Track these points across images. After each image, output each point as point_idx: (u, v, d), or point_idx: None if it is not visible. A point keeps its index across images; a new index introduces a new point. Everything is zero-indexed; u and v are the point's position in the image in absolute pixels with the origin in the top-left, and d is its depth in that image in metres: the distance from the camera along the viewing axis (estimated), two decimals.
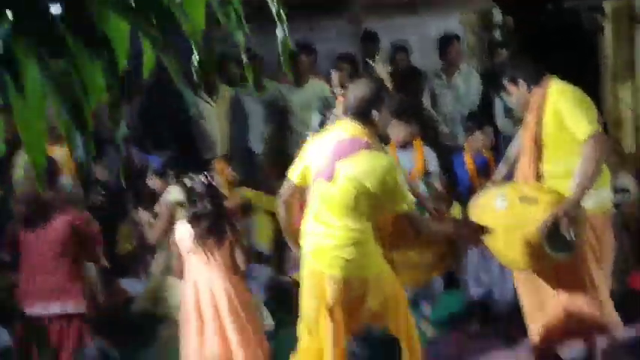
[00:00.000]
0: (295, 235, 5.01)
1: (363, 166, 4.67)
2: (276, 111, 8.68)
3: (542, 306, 5.48)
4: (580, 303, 5.35)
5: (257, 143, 8.72)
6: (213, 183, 5.58)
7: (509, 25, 10.24)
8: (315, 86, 8.55)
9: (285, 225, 5.10)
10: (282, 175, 5.16)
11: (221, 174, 7.05)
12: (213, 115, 8.74)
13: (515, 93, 5.44)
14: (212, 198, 5.47)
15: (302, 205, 5.04)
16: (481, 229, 5.02)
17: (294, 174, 4.99)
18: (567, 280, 5.35)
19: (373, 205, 4.69)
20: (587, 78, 8.90)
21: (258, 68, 8.80)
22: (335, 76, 6.43)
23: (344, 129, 4.84)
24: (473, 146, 7.38)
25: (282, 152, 8.30)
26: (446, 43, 8.59)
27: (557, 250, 5.04)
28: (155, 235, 6.13)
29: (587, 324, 5.41)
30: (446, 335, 6.59)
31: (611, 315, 5.41)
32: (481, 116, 7.85)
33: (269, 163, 8.58)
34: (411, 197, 4.75)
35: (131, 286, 6.86)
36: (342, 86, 7.01)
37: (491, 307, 6.66)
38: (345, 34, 9.90)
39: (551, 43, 9.04)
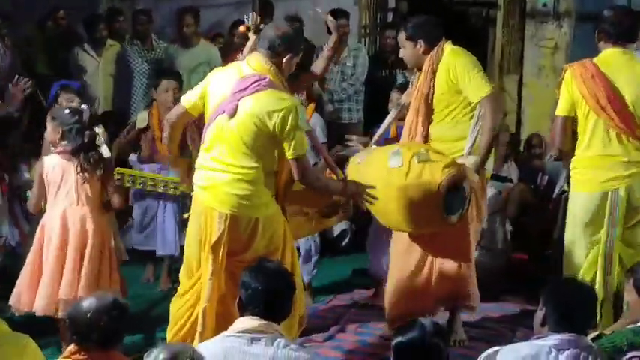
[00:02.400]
0: (176, 157, 5.09)
1: (266, 105, 4.53)
2: (162, 71, 8.43)
3: (411, 272, 5.47)
4: (454, 271, 5.41)
5: (139, 103, 8.40)
6: (85, 118, 5.42)
7: (402, 9, 10.31)
8: (204, 49, 8.40)
9: (169, 144, 5.02)
10: None
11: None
12: (98, 71, 8.53)
13: (411, 50, 5.44)
14: (81, 121, 5.36)
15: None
16: (363, 190, 4.92)
17: (186, 98, 4.86)
18: (445, 247, 5.38)
19: (270, 146, 4.59)
20: None
21: (148, 26, 8.65)
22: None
23: (250, 64, 4.69)
24: None
25: None
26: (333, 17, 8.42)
27: (451, 212, 5.04)
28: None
29: (455, 292, 5.48)
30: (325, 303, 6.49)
31: (475, 286, 5.51)
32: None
33: None
34: (306, 145, 4.63)
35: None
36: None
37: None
38: (236, 1, 9.69)
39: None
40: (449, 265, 5.43)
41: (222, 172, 4.61)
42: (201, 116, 4.86)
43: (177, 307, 4.78)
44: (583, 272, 5.14)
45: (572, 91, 5.06)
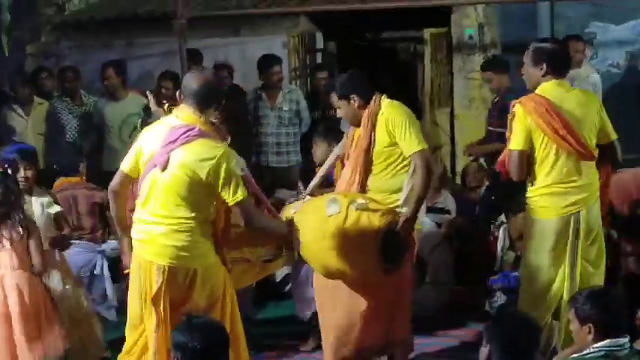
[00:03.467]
0: (125, 225, 4.87)
1: (197, 154, 4.50)
2: (93, 126, 8.40)
3: (346, 319, 5.43)
4: (391, 317, 5.42)
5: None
6: (10, 172, 5.43)
7: (331, 49, 10.38)
8: (133, 100, 8.36)
9: (116, 214, 4.92)
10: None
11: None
12: (27, 130, 8.42)
13: (345, 108, 5.47)
14: (7, 187, 5.33)
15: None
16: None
17: (124, 163, 4.79)
18: (382, 292, 5.37)
19: (206, 194, 4.55)
20: (406, 104, 9.16)
21: (76, 83, 8.62)
22: (150, 97, 6.16)
23: (178, 116, 4.66)
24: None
25: (100, 169, 8.01)
26: (266, 64, 8.47)
27: (387, 261, 5.04)
28: None
29: (392, 338, 5.47)
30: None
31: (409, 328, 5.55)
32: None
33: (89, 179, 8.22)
34: (244, 189, 4.58)
35: None
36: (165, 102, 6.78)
37: None
38: (164, 52, 9.69)
39: (370, 69, 9.21)
40: (378, 312, 5.40)
41: (157, 224, 4.57)
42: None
43: None
44: (552, 294, 5.20)
45: (527, 125, 5.12)
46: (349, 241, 4.98)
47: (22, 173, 5.69)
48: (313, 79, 9.31)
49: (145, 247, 4.62)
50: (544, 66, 5.18)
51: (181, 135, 4.53)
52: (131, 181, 4.82)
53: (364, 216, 5.01)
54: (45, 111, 8.54)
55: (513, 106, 5.23)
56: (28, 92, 8.53)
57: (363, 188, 5.41)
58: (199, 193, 4.53)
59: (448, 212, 7.57)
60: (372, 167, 5.42)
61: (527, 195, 5.29)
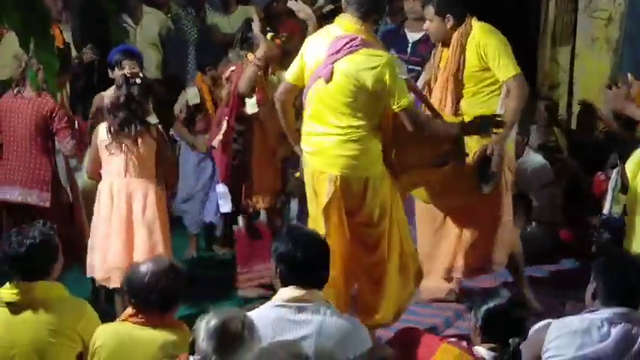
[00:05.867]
0: (295, 133, 4.98)
1: (361, 64, 4.59)
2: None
3: (441, 244, 5.55)
4: (484, 239, 5.46)
5: (194, 72, 8.38)
6: (135, 80, 5.47)
7: None
8: (243, 13, 8.38)
9: (285, 124, 5.04)
10: None
11: None
12: (137, 40, 8.26)
13: (438, 24, 5.43)
14: (129, 91, 5.36)
15: None
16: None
17: (289, 73, 4.91)
18: (477, 216, 5.44)
19: (372, 103, 4.64)
20: (526, 40, 8.99)
21: None
22: (256, 19, 6.19)
23: (341, 25, 4.73)
24: None
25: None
26: None
27: (484, 182, 5.15)
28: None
29: (484, 261, 5.52)
30: None
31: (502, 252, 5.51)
32: None
33: None
34: (410, 95, 4.69)
35: None
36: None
37: None
38: None
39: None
40: (478, 233, 5.46)
41: (328, 135, 4.68)
42: None
43: None
44: None
45: None
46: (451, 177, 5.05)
47: (127, 70, 5.76)
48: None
49: (317, 158, 4.74)
50: None
51: (345, 45, 4.62)
52: (297, 91, 4.91)
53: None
54: (156, 21, 8.39)
55: None
56: (137, 1, 8.31)
57: (455, 112, 5.39)
58: (366, 102, 4.62)
59: (560, 151, 7.46)
60: (463, 91, 5.40)
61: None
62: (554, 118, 7.89)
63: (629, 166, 5.17)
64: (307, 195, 4.86)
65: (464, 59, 5.35)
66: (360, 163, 4.66)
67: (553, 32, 9.22)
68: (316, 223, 4.75)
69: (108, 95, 5.77)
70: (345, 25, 4.70)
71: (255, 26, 5.94)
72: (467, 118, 5.22)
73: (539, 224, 6.81)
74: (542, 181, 6.83)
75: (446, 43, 5.44)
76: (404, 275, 4.84)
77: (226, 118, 6.00)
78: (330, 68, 4.61)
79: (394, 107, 4.61)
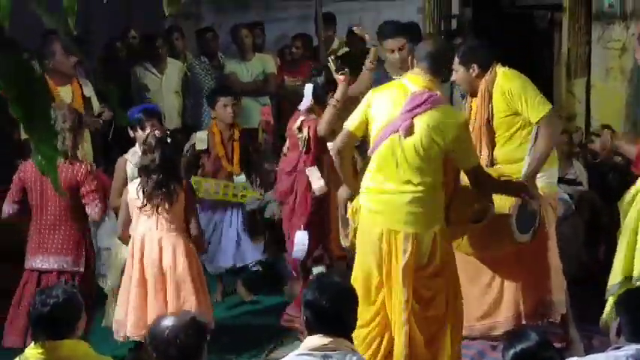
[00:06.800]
0: (356, 183, 4.94)
1: (440, 121, 4.64)
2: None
3: (484, 293, 5.46)
4: (533, 284, 5.39)
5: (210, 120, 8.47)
6: (167, 139, 5.47)
7: (467, 16, 10.27)
8: (260, 60, 8.62)
9: (343, 173, 5.02)
10: None
11: None
12: (161, 89, 8.51)
13: (463, 74, 5.43)
14: (163, 152, 5.35)
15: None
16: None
17: (350, 123, 4.90)
18: (523, 264, 5.36)
19: (439, 160, 4.68)
20: (541, 73, 9.02)
21: (215, 43, 8.83)
22: (332, 64, 6.18)
23: (413, 82, 4.76)
24: None
25: None
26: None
27: (523, 232, 5.04)
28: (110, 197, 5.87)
29: (538, 304, 5.42)
30: None
31: (559, 294, 5.46)
32: None
33: None
34: (477, 155, 4.85)
35: None
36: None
37: None
38: (300, 15, 9.80)
39: (506, 37, 9.08)
40: (526, 278, 5.40)
41: (400, 192, 4.66)
42: None
43: (361, 338, 4.67)
44: None
45: None
46: (487, 229, 5.00)
47: (148, 131, 5.76)
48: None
49: (387, 216, 4.69)
50: None
51: (425, 100, 4.65)
52: (355, 140, 4.95)
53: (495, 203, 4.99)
54: (177, 70, 8.61)
55: None
56: (162, 51, 8.52)
57: (491, 162, 5.36)
58: (437, 158, 4.67)
59: (580, 184, 7.45)
60: (496, 138, 5.37)
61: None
62: (572, 151, 7.88)
63: (622, 204, 5.18)
64: (359, 251, 4.79)
65: (492, 107, 5.34)
66: (431, 219, 4.68)
67: (568, 64, 9.26)
68: (369, 278, 4.73)
69: (131, 157, 5.84)
70: (417, 80, 4.74)
71: (332, 67, 5.94)
72: (503, 166, 5.26)
73: (562, 257, 6.77)
74: (562, 213, 6.81)
75: (474, 94, 5.44)
76: (456, 329, 4.80)
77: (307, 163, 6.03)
78: (410, 122, 4.62)
79: (465, 165, 4.71)
